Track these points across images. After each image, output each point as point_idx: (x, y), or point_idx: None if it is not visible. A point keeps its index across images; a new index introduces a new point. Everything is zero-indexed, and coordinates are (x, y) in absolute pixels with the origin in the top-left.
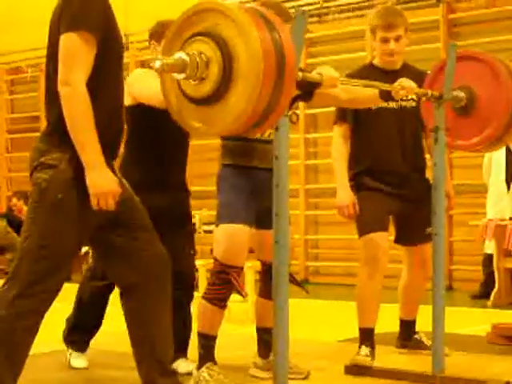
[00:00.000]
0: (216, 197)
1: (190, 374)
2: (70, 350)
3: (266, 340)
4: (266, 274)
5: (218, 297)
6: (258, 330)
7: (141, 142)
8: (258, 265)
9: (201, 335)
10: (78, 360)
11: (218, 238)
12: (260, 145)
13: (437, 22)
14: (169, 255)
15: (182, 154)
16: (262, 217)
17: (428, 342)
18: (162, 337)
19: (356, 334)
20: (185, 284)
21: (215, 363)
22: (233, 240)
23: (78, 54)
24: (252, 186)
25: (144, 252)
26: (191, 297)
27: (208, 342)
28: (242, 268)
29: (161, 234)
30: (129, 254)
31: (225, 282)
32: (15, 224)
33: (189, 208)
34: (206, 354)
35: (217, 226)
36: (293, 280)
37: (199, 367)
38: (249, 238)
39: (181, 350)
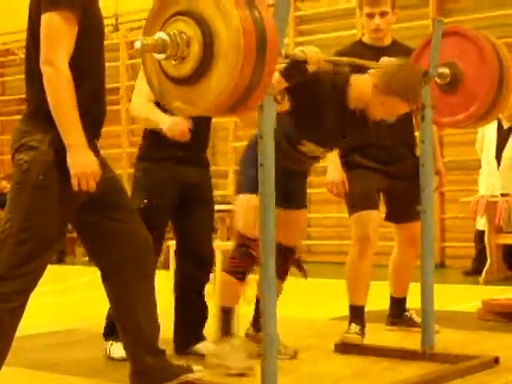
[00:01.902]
0: (239, 169)
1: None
2: (111, 341)
3: None
4: (279, 256)
5: (238, 269)
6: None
7: None
8: None
9: (221, 309)
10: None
11: (239, 209)
12: (304, 158)
13: None
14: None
15: (204, 130)
16: (280, 196)
17: (418, 320)
18: (146, 317)
19: (346, 312)
20: (203, 264)
21: (231, 336)
22: (254, 211)
23: (59, 33)
24: (282, 168)
25: (123, 232)
26: (208, 278)
27: (227, 315)
28: None
29: (188, 211)
30: (109, 235)
31: (245, 255)
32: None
33: (211, 186)
34: (226, 328)
35: (236, 194)
36: (299, 266)
37: (219, 341)
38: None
39: (199, 334)
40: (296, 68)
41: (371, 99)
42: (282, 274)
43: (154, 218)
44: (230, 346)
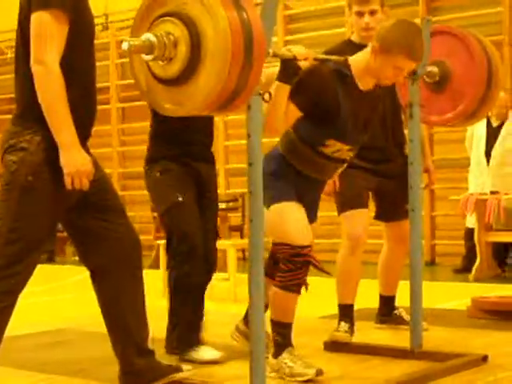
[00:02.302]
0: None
1: (214, 362)
2: (195, 347)
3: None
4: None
5: (296, 282)
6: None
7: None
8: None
9: (277, 323)
10: (211, 352)
11: (277, 220)
12: (326, 161)
13: None
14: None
15: (210, 124)
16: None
17: (407, 318)
18: (134, 318)
19: (335, 310)
20: (207, 263)
21: (293, 347)
22: (295, 217)
23: (50, 32)
24: (297, 180)
25: (113, 233)
26: (210, 278)
27: (286, 330)
28: (311, 246)
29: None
30: (98, 235)
31: (302, 264)
32: None
33: (216, 183)
34: (284, 341)
35: (268, 208)
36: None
37: (277, 355)
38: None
39: (197, 337)
40: (288, 67)
41: (374, 65)
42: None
43: (186, 215)
44: (291, 356)
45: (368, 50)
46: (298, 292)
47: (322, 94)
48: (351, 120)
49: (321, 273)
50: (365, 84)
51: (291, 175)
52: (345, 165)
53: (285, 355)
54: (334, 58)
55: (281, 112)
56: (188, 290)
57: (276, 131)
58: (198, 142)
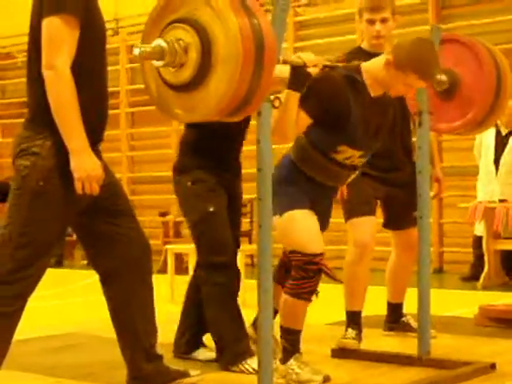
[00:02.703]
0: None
1: (210, 361)
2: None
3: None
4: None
5: (307, 290)
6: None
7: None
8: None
9: (286, 330)
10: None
11: (289, 227)
12: (338, 168)
13: (426, 4)
14: None
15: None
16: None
17: (415, 325)
18: (143, 322)
19: (343, 317)
20: (238, 274)
21: (301, 354)
22: (308, 225)
23: (61, 37)
24: (309, 188)
25: (123, 238)
26: (239, 287)
27: (294, 336)
28: (323, 254)
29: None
30: (108, 240)
31: (314, 273)
32: None
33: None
34: (293, 348)
35: (280, 215)
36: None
37: (284, 361)
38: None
39: (201, 339)
40: (298, 74)
41: (386, 76)
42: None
43: (219, 225)
44: (298, 363)
45: (382, 58)
46: (309, 300)
47: (332, 100)
48: (362, 126)
49: (331, 280)
50: (375, 90)
51: (303, 182)
52: (356, 172)
53: (292, 361)
54: (342, 64)
55: (291, 119)
56: (225, 300)
57: (286, 138)
58: (230, 155)
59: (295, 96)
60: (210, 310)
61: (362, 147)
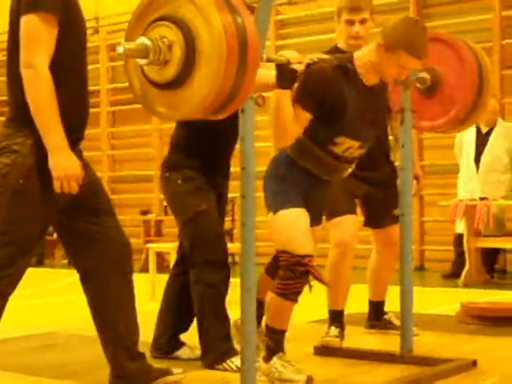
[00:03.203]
0: (265, 187)
1: (193, 359)
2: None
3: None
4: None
5: (294, 291)
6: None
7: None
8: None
9: (271, 329)
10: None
11: (280, 226)
12: (336, 161)
13: (407, 2)
14: None
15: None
16: (310, 214)
17: (397, 323)
18: (125, 321)
19: (325, 315)
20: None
21: (284, 353)
22: (299, 225)
23: (39, 35)
24: (302, 181)
25: (103, 237)
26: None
27: (278, 336)
28: (313, 255)
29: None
30: (88, 239)
31: (302, 274)
32: None
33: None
34: (276, 346)
35: (274, 213)
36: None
37: (268, 359)
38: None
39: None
40: (284, 72)
41: (379, 62)
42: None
43: (211, 224)
44: (281, 361)
45: (372, 46)
46: (295, 300)
47: (326, 91)
48: (358, 115)
49: (322, 284)
50: (369, 79)
51: (300, 177)
52: (353, 166)
53: (275, 360)
54: (324, 57)
55: (288, 117)
56: (214, 301)
57: (290, 136)
58: (220, 155)
59: (286, 94)
60: (200, 310)
61: (360, 137)
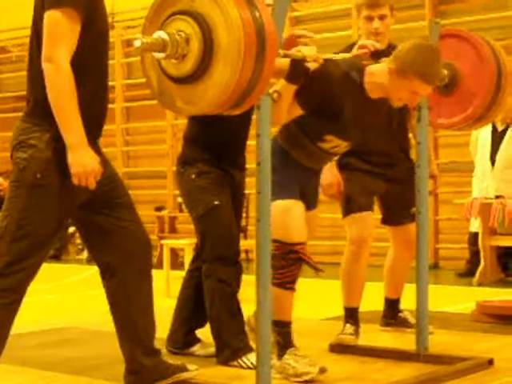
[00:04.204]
0: None
1: (208, 356)
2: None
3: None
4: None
5: (289, 279)
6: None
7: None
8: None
9: (276, 322)
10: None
11: (275, 216)
12: (322, 154)
13: (423, 0)
14: None
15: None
16: (306, 199)
17: (412, 321)
18: (142, 317)
19: (340, 312)
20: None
21: (296, 348)
22: (291, 215)
23: (61, 31)
24: (299, 169)
25: (124, 231)
26: (240, 283)
27: (284, 329)
28: (305, 243)
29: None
30: (108, 233)
31: (294, 261)
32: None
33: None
34: (285, 341)
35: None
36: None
37: (280, 356)
38: (304, 213)
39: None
40: (297, 68)
41: (389, 85)
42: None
43: (224, 219)
44: (293, 357)
45: (384, 66)
46: (292, 289)
47: (325, 97)
48: (353, 121)
49: (313, 269)
50: (374, 94)
51: (293, 166)
52: (338, 156)
53: (287, 356)
54: (340, 57)
55: (285, 108)
56: (227, 297)
57: (278, 124)
58: (235, 148)
59: (291, 88)
60: (212, 305)
61: (350, 139)
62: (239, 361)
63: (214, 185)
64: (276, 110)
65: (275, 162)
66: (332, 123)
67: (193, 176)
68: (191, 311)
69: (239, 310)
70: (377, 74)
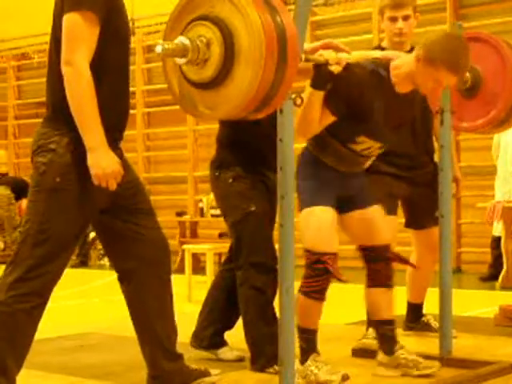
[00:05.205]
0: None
1: (238, 360)
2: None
3: (386, 334)
4: (366, 260)
5: (316, 289)
6: (376, 323)
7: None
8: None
9: (301, 329)
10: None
11: (304, 224)
12: (356, 157)
13: (444, 3)
14: None
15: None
16: (344, 202)
17: (435, 325)
18: (162, 322)
19: (364, 316)
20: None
21: (319, 354)
22: (319, 223)
23: (80, 34)
24: (333, 176)
25: (143, 237)
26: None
27: (309, 336)
28: (335, 253)
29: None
30: (127, 239)
31: (321, 271)
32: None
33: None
34: (309, 347)
35: (300, 211)
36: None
37: (303, 361)
38: (336, 221)
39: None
40: (321, 73)
41: (418, 75)
42: (385, 278)
43: (260, 225)
44: (315, 363)
45: (410, 56)
46: (319, 299)
47: (355, 99)
48: (384, 120)
49: (339, 280)
50: (402, 88)
51: (325, 173)
52: (373, 158)
53: (310, 362)
54: (362, 58)
55: (316, 117)
56: (262, 304)
57: (309, 135)
58: (269, 151)
59: (319, 95)
60: (246, 313)
61: (382, 139)
62: (275, 367)
63: (251, 189)
64: (307, 120)
65: (306, 170)
66: (363, 124)
67: (230, 180)
68: (221, 313)
69: (274, 317)
70: (402, 65)
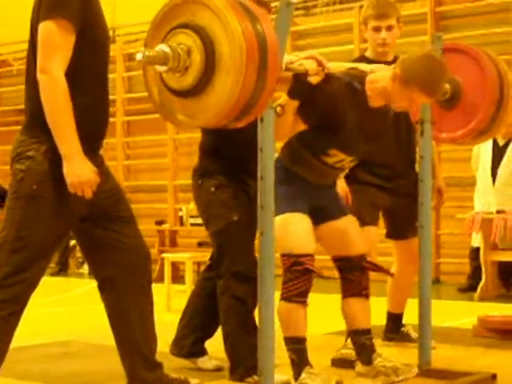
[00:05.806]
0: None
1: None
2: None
3: (364, 343)
4: (341, 271)
5: (297, 292)
6: (353, 333)
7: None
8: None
9: (288, 339)
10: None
11: (280, 230)
12: (327, 169)
13: (425, 14)
14: None
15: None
16: (317, 213)
17: (415, 335)
18: (143, 330)
19: (342, 327)
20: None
21: (311, 366)
22: (295, 227)
23: (55, 41)
24: (305, 186)
25: (124, 245)
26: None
27: (299, 346)
28: (312, 255)
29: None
30: (107, 247)
31: (301, 273)
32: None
33: None
34: (301, 360)
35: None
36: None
37: (297, 376)
38: (311, 226)
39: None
40: (299, 83)
41: (392, 93)
42: (361, 288)
43: (242, 234)
44: (310, 375)
45: (387, 72)
46: (302, 302)
47: (328, 111)
48: (356, 134)
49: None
50: (375, 102)
51: (297, 182)
52: (345, 171)
53: (304, 375)
54: (342, 70)
55: (288, 124)
56: (242, 315)
57: (281, 139)
58: (251, 158)
59: (294, 104)
60: (227, 322)
61: (354, 152)
62: (255, 377)
63: (233, 198)
64: (279, 125)
65: (280, 176)
66: (335, 137)
67: (212, 189)
68: (202, 321)
69: (255, 327)
70: (378, 80)
